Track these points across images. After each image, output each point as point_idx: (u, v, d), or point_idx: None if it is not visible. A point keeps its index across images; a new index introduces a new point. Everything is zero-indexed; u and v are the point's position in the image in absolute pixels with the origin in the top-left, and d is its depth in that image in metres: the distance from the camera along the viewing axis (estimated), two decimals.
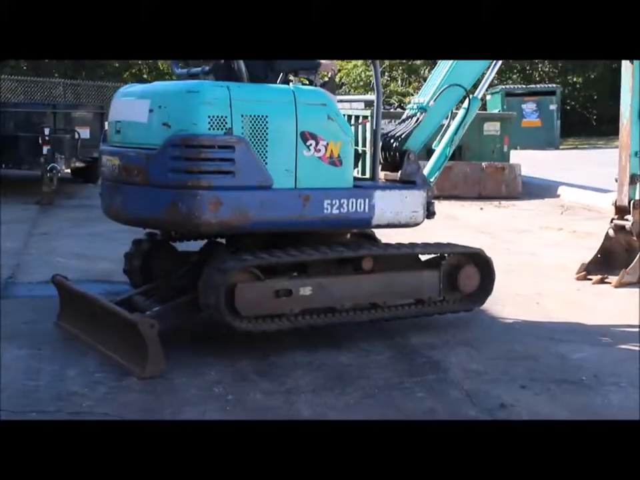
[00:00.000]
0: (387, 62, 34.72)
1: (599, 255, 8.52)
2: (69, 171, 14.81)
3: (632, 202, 8.17)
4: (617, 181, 8.41)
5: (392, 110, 16.34)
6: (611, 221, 8.47)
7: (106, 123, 14.81)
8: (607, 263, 8.42)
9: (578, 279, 8.40)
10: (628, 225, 8.21)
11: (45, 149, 13.85)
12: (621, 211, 8.34)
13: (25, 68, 36.55)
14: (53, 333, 6.23)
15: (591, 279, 8.31)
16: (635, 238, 8.19)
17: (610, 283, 8.10)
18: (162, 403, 4.89)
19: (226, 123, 5.35)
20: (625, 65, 8.04)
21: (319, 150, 5.71)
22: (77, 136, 14.70)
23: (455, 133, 6.78)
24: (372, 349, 5.90)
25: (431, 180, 6.64)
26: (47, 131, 14.12)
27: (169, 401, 4.93)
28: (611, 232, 8.46)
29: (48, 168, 13.60)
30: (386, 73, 34.73)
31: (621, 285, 8.02)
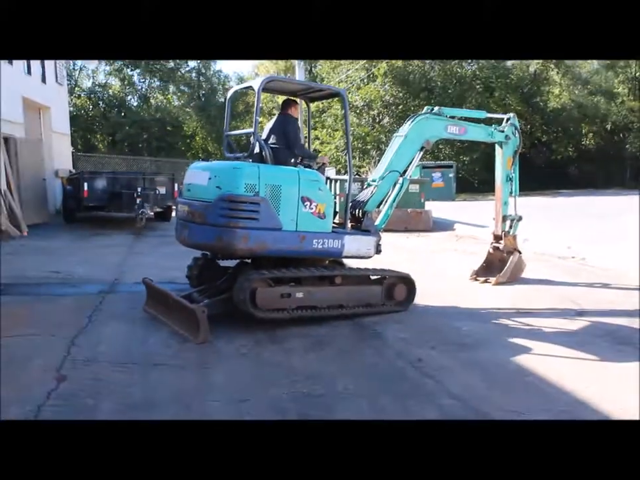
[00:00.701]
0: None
1: (483, 265, 8.60)
2: (152, 213, 14.85)
3: (503, 232, 8.34)
4: (494, 219, 8.55)
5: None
6: (491, 244, 8.60)
7: (175, 185, 15.12)
8: (488, 270, 8.49)
9: (470, 280, 8.45)
10: (501, 246, 8.36)
11: (138, 200, 13.95)
12: (496, 238, 8.48)
13: (127, 150, 36.60)
14: (142, 315, 6.21)
15: (478, 280, 8.38)
16: (505, 254, 8.31)
17: (490, 282, 8.17)
18: (209, 358, 4.91)
19: (255, 188, 5.47)
20: (498, 149, 8.23)
21: (312, 208, 5.81)
22: (157, 192, 14.81)
23: (394, 201, 6.87)
24: (339, 325, 5.89)
25: (380, 229, 6.70)
26: (139, 190, 14.25)
27: (213, 356, 4.96)
28: (491, 250, 8.58)
29: (139, 212, 13.69)
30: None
31: (497, 283, 8.09)
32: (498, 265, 8.42)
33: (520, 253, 8.39)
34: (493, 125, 8.14)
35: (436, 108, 7.44)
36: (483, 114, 8.19)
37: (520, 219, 8.45)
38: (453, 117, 7.64)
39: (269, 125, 6.53)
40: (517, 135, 8.22)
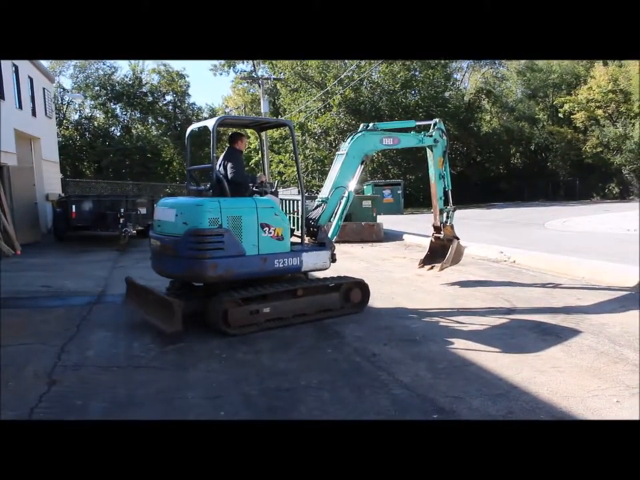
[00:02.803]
0: (309, 167, 34.76)
1: (428, 253, 8.72)
2: (134, 232, 14.66)
3: (442, 223, 8.41)
4: (432, 212, 8.63)
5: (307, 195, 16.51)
6: (432, 235, 8.68)
7: (155, 206, 14.90)
8: (433, 257, 8.60)
9: (419, 267, 8.69)
10: (441, 236, 8.44)
11: (121, 220, 13.81)
12: (436, 229, 8.54)
13: (111, 176, 36.13)
14: (126, 322, 6.12)
15: (424, 267, 8.58)
16: (445, 242, 8.39)
17: (436, 267, 8.38)
18: (186, 359, 4.83)
19: (218, 221, 5.43)
20: (429, 152, 8.19)
21: (271, 232, 5.78)
22: (138, 212, 14.71)
23: (342, 213, 6.88)
24: (302, 327, 5.86)
25: (332, 239, 6.68)
26: (122, 210, 14.08)
27: (190, 358, 4.88)
28: (433, 240, 8.68)
29: (123, 230, 13.52)
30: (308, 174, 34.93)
31: (442, 269, 8.25)
32: (440, 252, 8.48)
33: (458, 239, 8.46)
34: (422, 132, 8.14)
35: (370, 124, 7.44)
36: (413, 123, 8.20)
37: (454, 209, 8.52)
38: (387, 130, 7.65)
39: (220, 159, 6.48)
40: (444, 137, 8.21)
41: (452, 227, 8.50)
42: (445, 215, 8.44)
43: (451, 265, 8.31)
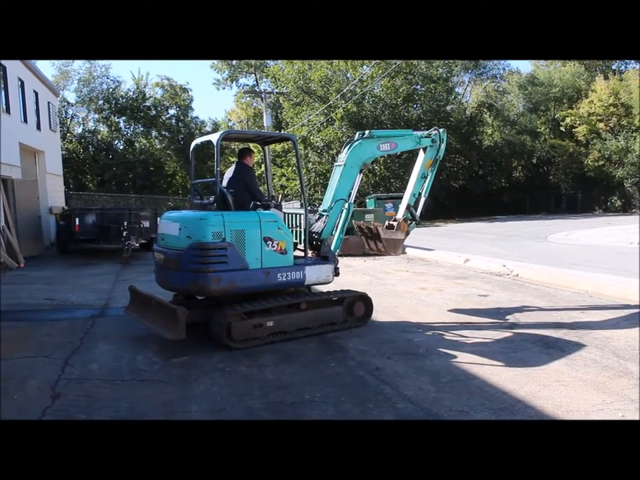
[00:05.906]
0: (312, 181, 34.83)
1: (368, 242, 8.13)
2: (137, 245, 14.69)
3: (403, 217, 7.67)
4: (400, 205, 7.97)
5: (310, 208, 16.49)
6: (387, 222, 7.92)
7: (158, 219, 14.90)
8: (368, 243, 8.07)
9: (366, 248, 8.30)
10: (395, 225, 7.68)
11: (125, 233, 13.90)
12: (395, 220, 7.78)
13: (114, 189, 36.27)
14: (130, 335, 6.12)
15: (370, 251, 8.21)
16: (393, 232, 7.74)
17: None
18: (190, 373, 4.82)
19: (222, 235, 5.47)
20: (421, 153, 7.72)
21: (274, 246, 5.80)
22: (142, 225, 14.74)
23: (344, 225, 6.85)
24: (306, 341, 5.85)
25: (335, 253, 6.67)
26: (125, 223, 14.17)
27: (193, 371, 4.87)
28: (382, 233, 7.80)
29: (126, 243, 13.58)
30: (310, 188, 34.96)
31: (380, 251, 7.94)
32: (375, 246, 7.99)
33: (404, 247, 7.80)
34: (420, 132, 7.73)
35: (367, 132, 7.26)
36: (410, 132, 7.87)
37: (418, 223, 7.94)
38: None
39: (228, 173, 6.49)
40: (442, 143, 7.73)
41: (407, 233, 7.89)
42: (409, 212, 7.80)
43: (385, 249, 7.78)
